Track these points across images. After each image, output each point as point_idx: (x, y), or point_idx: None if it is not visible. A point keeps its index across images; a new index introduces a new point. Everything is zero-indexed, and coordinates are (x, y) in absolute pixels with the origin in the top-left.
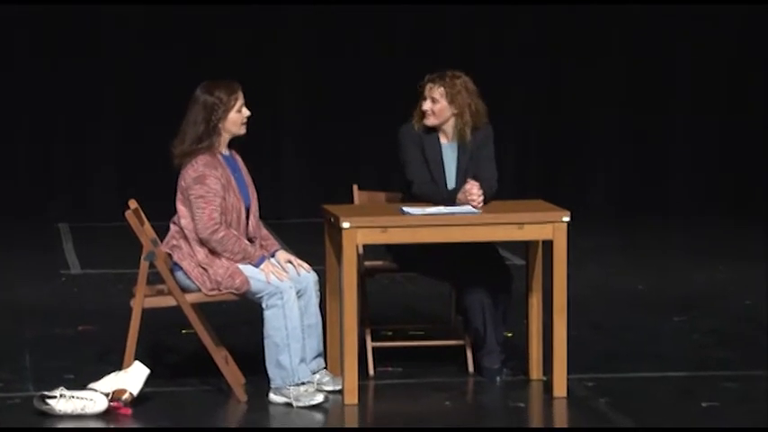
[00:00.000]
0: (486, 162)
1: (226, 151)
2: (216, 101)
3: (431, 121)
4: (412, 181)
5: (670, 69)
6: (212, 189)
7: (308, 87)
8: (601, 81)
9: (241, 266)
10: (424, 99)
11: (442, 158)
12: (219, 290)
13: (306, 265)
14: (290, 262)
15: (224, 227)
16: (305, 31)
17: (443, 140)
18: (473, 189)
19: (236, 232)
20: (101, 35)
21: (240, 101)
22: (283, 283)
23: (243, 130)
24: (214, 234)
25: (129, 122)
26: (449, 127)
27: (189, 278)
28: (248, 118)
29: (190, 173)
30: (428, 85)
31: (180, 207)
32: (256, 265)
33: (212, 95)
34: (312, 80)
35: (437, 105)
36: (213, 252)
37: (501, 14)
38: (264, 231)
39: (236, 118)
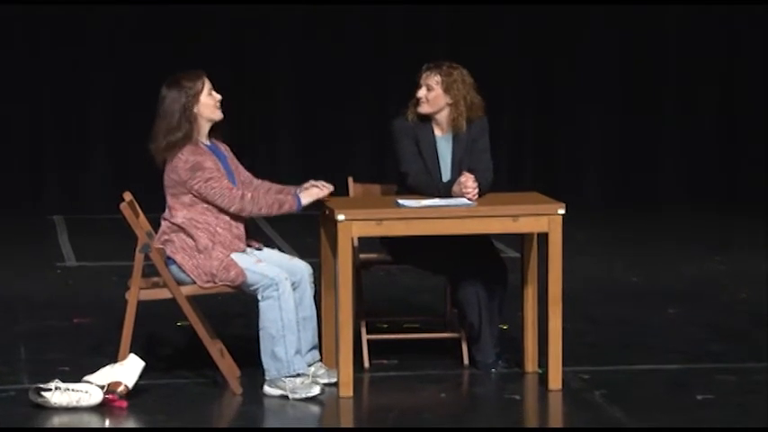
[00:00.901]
0: (482, 154)
1: (207, 141)
2: (184, 88)
3: (425, 108)
4: (407, 173)
5: (662, 60)
6: (213, 168)
7: (301, 79)
8: (594, 74)
9: (236, 258)
10: (420, 87)
11: (436, 151)
12: (214, 282)
13: (324, 185)
14: (314, 186)
15: (245, 188)
16: (298, 23)
17: (437, 133)
18: (468, 181)
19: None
20: (92, 26)
21: (208, 85)
22: (279, 275)
23: (218, 114)
24: (243, 199)
25: (123, 114)
26: (443, 118)
27: (183, 271)
28: (221, 102)
29: (180, 165)
30: (425, 73)
31: (173, 203)
32: (299, 206)
33: (178, 84)
34: (305, 72)
35: (432, 93)
36: (208, 244)
37: (497, 10)
38: (277, 187)
39: (209, 101)
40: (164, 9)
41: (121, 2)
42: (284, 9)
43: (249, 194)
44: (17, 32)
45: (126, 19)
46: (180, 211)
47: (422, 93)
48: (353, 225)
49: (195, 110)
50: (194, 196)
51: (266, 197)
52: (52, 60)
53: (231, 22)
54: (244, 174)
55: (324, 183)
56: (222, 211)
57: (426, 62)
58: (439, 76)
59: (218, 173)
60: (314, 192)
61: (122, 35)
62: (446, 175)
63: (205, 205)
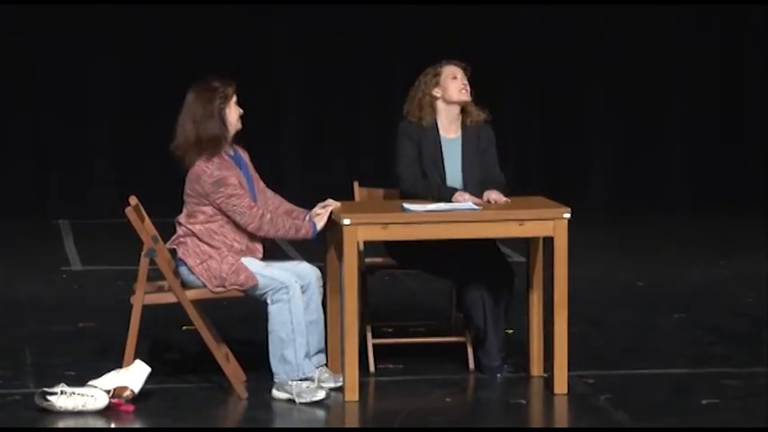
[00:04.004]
0: (493, 168)
1: (231, 151)
2: (213, 89)
3: (466, 96)
4: (400, 176)
5: (665, 65)
6: (237, 185)
7: (307, 83)
8: (599, 76)
9: (246, 262)
10: (455, 77)
11: (441, 154)
12: (224, 287)
13: (330, 203)
14: (323, 208)
15: (264, 209)
16: (304, 26)
17: (444, 134)
18: (496, 197)
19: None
20: (95, 29)
21: (235, 93)
22: (288, 279)
23: (240, 125)
24: (263, 218)
25: (129, 118)
26: (453, 115)
27: (193, 274)
28: (242, 116)
29: (205, 179)
30: (451, 67)
31: (193, 211)
32: (315, 233)
33: (208, 86)
34: (310, 74)
35: (466, 81)
36: (222, 251)
37: (499, 11)
38: (288, 206)
39: (235, 108)
40: (167, 10)
41: (126, 2)
42: (290, 10)
43: (269, 215)
44: (20, 37)
45: (130, 22)
46: (199, 219)
47: (465, 81)
48: (359, 229)
49: (225, 112)
50: (215, 208)
51: (284, 221)
52: (56, 64)
53: (236, 24)
54: (260, 182)
55: (329, 201)
56: (240, 226)
57: (431, 63)
58: (462, 71)
59: (241, 189)
60: (325, 216)
61: (127, 38)
62: (452, 177)
63: (225, 219)
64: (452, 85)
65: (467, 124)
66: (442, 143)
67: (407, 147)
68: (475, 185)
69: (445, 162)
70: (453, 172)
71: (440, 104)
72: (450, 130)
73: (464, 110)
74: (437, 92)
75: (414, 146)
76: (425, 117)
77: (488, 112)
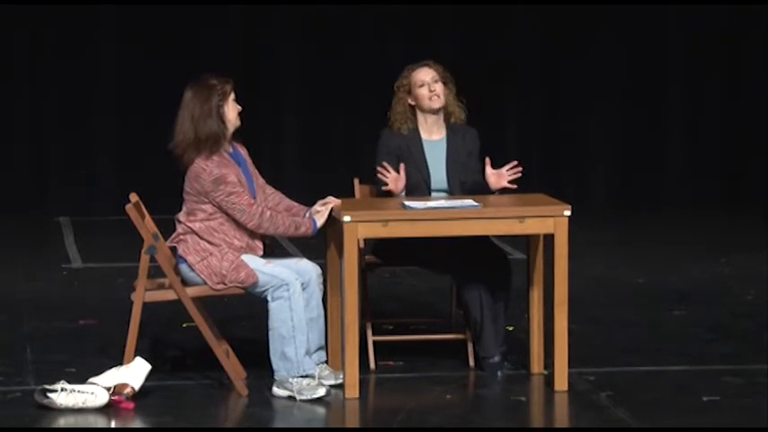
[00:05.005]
0: (475, 172)
1: (230, 148)
2: (211, 87)
3: (437, 103)
4: (378, 194)
5: (666, 65)
6: (236, 182)
7: (307, 80)
8: (600, 75)
9: (246, 259)
10: (422, 85)
11: (425, 157)
12: (225, 283)
13: (330, 200)
14: (323, 205)
15: (264, 206)
16: (304, 26)
17: (432, 137)
18: (504, 171)
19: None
20: (96, 27)
21: (233, 90)
22: (289, 276)
23: (238, 122)
24: (262, 216)
25: (129, 116)
26: (435, 119)
27: (193, 271)
28: (240, 113)
29: (205, 177)
30: (422, 70)
31: (192, 209)
32: (315, 230)
33: (206, 83)
34: (310, 73)
35: (439, 85)
36: (222, 247)
37: (499, 10)
38: (288, 202)
39: (233, 106)
40: (167, 10)
41: (126, 2)
42: (290, 10)
43: (268, 213)
44: (22, 34)
45: (130, 21)
46: (199, 217)
47: (434, 87)
48: (359, 226)
49: (224, 109)
50: (215, 206)
51: (284, 218)
52: (57, 61)
53: (237, 24)
54: (260, 179)
55: (330, 198)
56: (240, 224)
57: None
58: (434, 72)
59: (241, 187)
60: (325, 213)
61: (127, 36)
62: (439, 178)
63: (225, 216)
64: (420, 93)
65: (450, 123)
66: (425, 146)
67: (385, 160)
68: (460, 187)
69: (429, 165)
70: (438, 174)
71: (417, 111)
72: (432, 133)
73: (445, 110)
74: (411, 100)
75: (391, 158)
76: (406, 124)
77: (466, 107)
